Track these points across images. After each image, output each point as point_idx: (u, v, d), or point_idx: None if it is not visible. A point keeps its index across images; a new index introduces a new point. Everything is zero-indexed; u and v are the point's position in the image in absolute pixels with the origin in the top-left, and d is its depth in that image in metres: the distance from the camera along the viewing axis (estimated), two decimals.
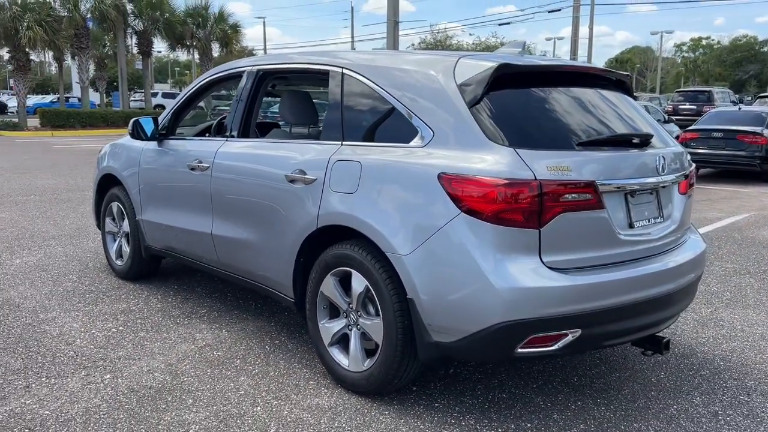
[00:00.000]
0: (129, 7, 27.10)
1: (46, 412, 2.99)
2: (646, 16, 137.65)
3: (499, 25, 42.40)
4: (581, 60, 42.27)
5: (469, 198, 2.68)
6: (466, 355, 2.86)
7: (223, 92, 7.32)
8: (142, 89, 34.84)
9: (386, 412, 3.04)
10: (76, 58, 25.72)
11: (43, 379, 3.34)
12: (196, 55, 31.73)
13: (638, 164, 2.99)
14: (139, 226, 4.83)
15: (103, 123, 25.63)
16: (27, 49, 24.38)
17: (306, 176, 3.33)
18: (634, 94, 3.67)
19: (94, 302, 4.58)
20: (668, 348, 3.18)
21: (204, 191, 4.09)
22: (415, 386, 3.31)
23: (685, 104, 25.86)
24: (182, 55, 47.72)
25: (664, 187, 3.16)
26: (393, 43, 17.11)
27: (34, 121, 26.62)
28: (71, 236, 6.66)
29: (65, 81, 37.44)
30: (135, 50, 28.92)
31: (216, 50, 30.12)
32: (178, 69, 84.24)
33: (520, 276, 2.64)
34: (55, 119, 24.15)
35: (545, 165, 2.67)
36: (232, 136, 4.02)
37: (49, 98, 42.82)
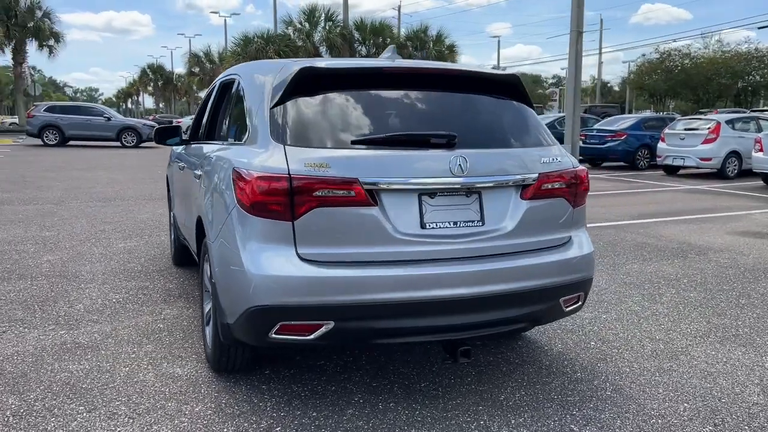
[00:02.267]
0: (356, 34, 29.72)
1: None
2: None
3: (759, 28, 37.23)
4: None
5: (239, 191, 2.91)
6: (241, 337, 3.04)
7: None
8: None
9: (213, 386, 3.35)
10: None
11: (15, 328, 4.25)
12: None
13: (426, 165, 2.90)
14: (174, 217, 5.69)
15: None
16: None
17: (200, 172, 3.80)
18: None
19: (130, 279, 5.52)
20: (467, 356, 3.00)
21: (183, 187, 4.77)
22: (268, 370, 3.55)
23: None
24: None
25: (488, 188, 3.00)
26: (575, 55, 16.33)
27: None
28: None
29: None
30: None
31: None
32: None
33: (271, 265, 2.79)
34: None
35: (304, 161, 2.79)
36: (201, 140, 4.63)
37: None
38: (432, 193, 2.92)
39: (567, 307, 3.25)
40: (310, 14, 27.94)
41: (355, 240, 2.82)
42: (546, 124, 21.91)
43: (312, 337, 2.82)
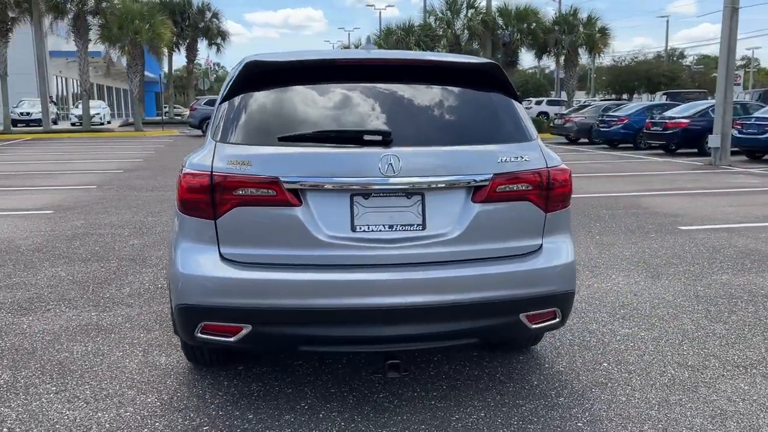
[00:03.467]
0: (500, 21, 28.86)
1: (24, 326, 4.23)
2: None
3: None
4: None
5: (178, 188, 2.91)
6: (179, 333, 3.02)
7: None
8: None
9: (180, 378, 3.40)
10: None
11: (59, 307, 4.63)
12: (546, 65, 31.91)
13: (354, 164, 2.68)
14: None
15: None
16: None
17: None
18: None
19: None
20: (396, 370, 2.74)
21: None
22: (242, 366, 3.54)
23: None
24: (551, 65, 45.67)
25: (431, 190, 2.73)
26: (728, 33, 14.52)
27: None
28: None
29: None
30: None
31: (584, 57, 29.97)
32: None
33: (194, 264, 2.76)
34: None
35: (228, 159, 2.72)
36: None
37: None
38: (366, 194, 2.72)
39: (534, 323, 2.88)
40: (452, 2, 27.64)
41: (277, 241, 2.71)
42: (698, 111, 19.72)
43: (234, 339, 2.75)
